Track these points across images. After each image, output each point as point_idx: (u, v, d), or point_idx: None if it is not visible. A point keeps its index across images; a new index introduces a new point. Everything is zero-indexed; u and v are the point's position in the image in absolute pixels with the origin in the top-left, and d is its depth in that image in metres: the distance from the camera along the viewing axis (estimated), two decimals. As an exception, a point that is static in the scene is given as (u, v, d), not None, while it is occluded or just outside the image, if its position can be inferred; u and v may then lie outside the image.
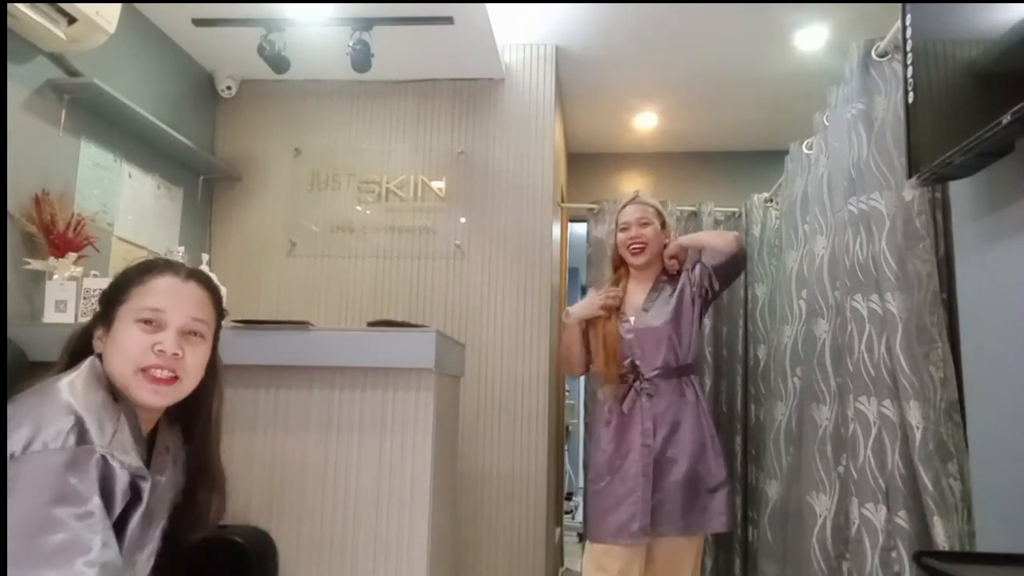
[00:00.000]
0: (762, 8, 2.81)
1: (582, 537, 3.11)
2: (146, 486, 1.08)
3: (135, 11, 2.61)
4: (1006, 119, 1.16)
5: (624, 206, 2.27)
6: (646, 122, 4.00)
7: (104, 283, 2.08)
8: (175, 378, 1.13)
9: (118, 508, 1.02)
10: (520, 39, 3.15)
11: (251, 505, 1.79)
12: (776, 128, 3.77)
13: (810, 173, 2.46)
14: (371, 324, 1.93)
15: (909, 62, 1.55)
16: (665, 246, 2.23)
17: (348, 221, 3.12)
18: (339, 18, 2.62)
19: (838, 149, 2.13)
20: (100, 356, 1.14)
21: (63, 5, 2.01)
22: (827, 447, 2.10)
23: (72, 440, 0.97)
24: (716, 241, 2.14)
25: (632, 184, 4.41)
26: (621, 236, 2.22)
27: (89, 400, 1.04)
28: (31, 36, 2.07)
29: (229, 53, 2.98)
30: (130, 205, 2.61)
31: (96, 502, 0.96)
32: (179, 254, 2.24)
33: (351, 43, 2.61)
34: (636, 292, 2.22)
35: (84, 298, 2.06)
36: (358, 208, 3.13)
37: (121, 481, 1.02)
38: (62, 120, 2.25)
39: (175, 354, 1.12)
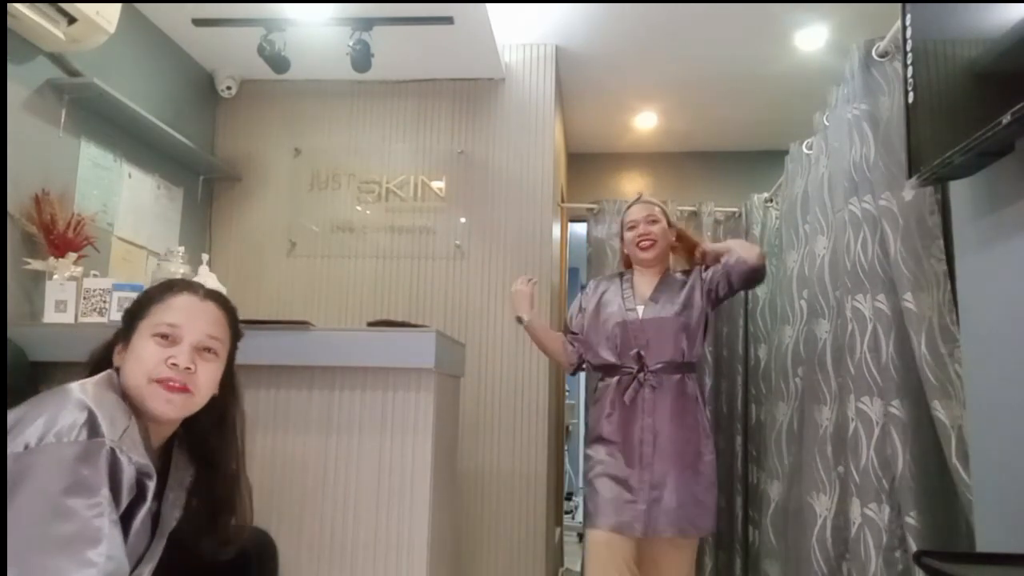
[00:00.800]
0: (762, 8, 2.81)
1: (582, 537, 3.11)
2: (151, 485, 1.10)
3: (135, 11, 2.61)
4: (1006, 119, 1.16)
5: (629, 206, 2.29)
6: (646, 122, 4.00)
7: (104, 283, 2.09)
8: (187, 389, 1.17)
9: (125, 501, 1.04)
10: (520, 39, 3.15)
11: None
12: (776, 128, 3.77)
13: (810, 173, 2.46)
14: (371, 324, 1.93)
15: (909, 62, 1.55)
16: (672, 243, 2.25)
17: (348, 221, 3.12)
18: (339, 18, 2.62)
19: (839, 149, 2.13)
20: (118, 370, 1.18)
21: (63, 5, 2.01)
22: (827, 447, 2.10)
23: (84, 434, 1.00)
24: (744, 251, 2.11)
25: (632, 184, 4.41)
26: (629, 235, 2.23)
27: (102, 399, 1.08)
28: (31, 36, 2.07)
29: (229, 53, 2.98)
30: (130, 205, 2.61)
31: (105, 493, 0.99)
32: (179, 254, 2.23)
33: (351, 43, 2.61)
34: (643, 285, 2.21)
35: (84, 298, 2.06)
36: (358, 208, 3.13)
37: (128, 475, 1.04)
38: (62, 120, 2.25)
39: (187, 368, 1.16)
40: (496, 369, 2.92)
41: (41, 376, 1.75)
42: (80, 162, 2.34)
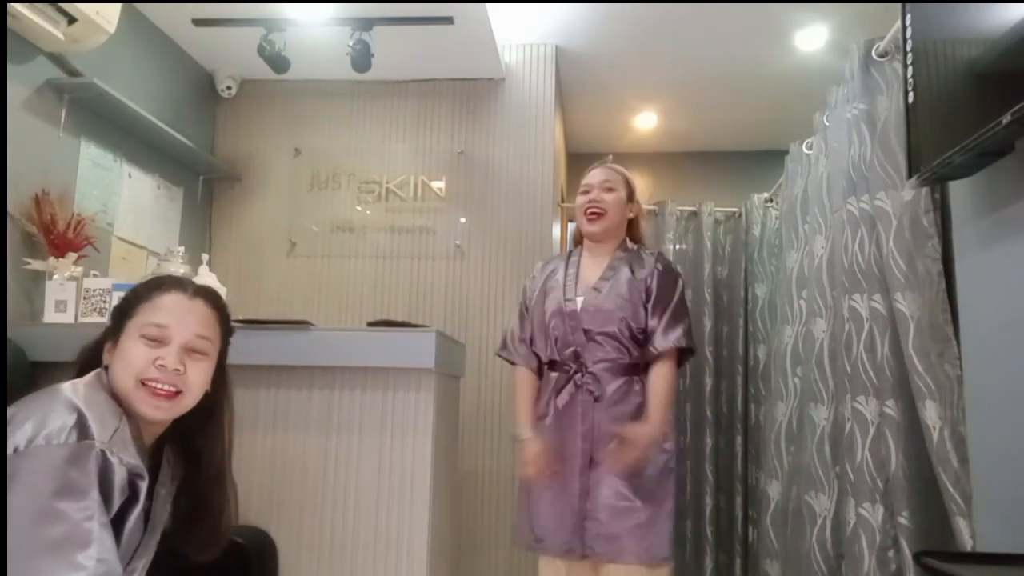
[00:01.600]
0: (762, 8, 2.81)
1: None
2: (143, 485, 1.09)
3: (135, 11, 2.61)
4: (1006, 119, 1.16)
5: (590, 169, 2.00)
6: (646, 122, 4.00)
7: (104, 283, 2.09)
8: (176, 393, 1.15)
9: (116, 503, 1.04)
10: (520, 39, 3.15)
11: (251, 505, 1.79)
12: (776, 128, 3.76)
13: (810, 173, 2.46)
14: (371, 324, 1.93)
15: (909, 62, 1.55)
16: (629, 221, 1.98)
17: (348, 221, 3.12)
18: (339, 18, 2.62)
19: (838, 149, 2.13)
20: (107, 369, 1.17)
21: (63, 5, 2.01)
22: (826, 447, 2.10)
23: (74, 436, 0.99)
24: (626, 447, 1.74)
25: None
26: (580, 199, 1.95)
27: (92, 400, 1.07)
28: (31, 36, 2.07)
29: (229, 53, 2.98)
30: (130, 205, 2.60)
31: (95, 496, 0.98)
32: (179, 254, 2.24)
33: (351, 43, 2.61)
34: (590, 267, 1.92)
35: (84, 298, 2.06)
36: (358, 208, 3.13)
37: (119, 477, 1.03)
38: (62, 120, 2.25)
39: (176, 370, 1.15)
40: (496, 369, 2.92)
41: (41, 376, 1.74)
42: (80, 162, 2.34)
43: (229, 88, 3.14)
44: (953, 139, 1.35)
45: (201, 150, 2.93)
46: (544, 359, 1.92)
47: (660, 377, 1.81)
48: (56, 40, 2.07)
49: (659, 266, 1.89)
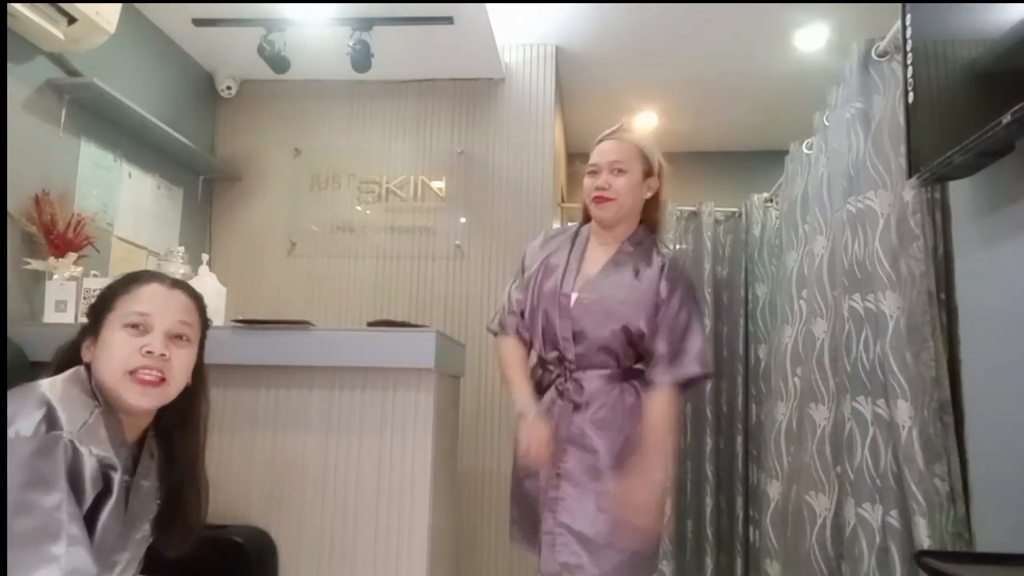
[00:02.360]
0: (762, 8, 2.81)
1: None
2: (116, 476, 1.09)
3: (135, 11, 2.61)
4: (1006, 119, 1.16)
5: (600, 140, 1.70)
6: (646, 122, 4.00)
7: (104, 283, 2.09)
8: (162, 379, 1.16)
9: (89, 495, 1.04)
10: (520, 39, 3.15)
11: (251, 505, 1.79)
12: (776, 128, 3.76)
13: (810, 173, 2.46)
14: (371, 324, 1.93)
15: (909, 62, 1.56)
16: (648, 200, 1.70)
17: (348, 221, 3.12)
18: (339, 18, 2.62)
19: (838, 149, 2.13)
20: (88, 367, 1.17)
21: (63, 5, 2.01)
22: (826, 447, 2.10)
23: (43, 428, 1.01)
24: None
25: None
26: (587, 181, 1.67)
27: (66, 394, 1.08)
28: (31, 36, 2.07)
29: (229, 53, 2.98)
30: (130, 205, 2.60)
31: (63, 486, 0.99)
32: (179, 254, 2.24)
33: (351, 43, 2.61)
34: (595, 254, 1.69)
35: (84, 298, 2.06)
36: (358, 208, 3.13)
37: (89, 467, 1.04)
38: (62, 120, 2.25)
39: (162, 355, 1.15)
40: (496, 369, 2.92)
41: (41, 376, 1.74)
42: (80, 162, 2.34)
43: (229, 88, 3.14)
44: (953, 139, 1.35)
45: (201, 150, 2.93)
46: (528, 344, 1.72)
47: (660, 412, 1.54)
48: (56, 40, 2.07)
49: (668, 272, 1.62)
